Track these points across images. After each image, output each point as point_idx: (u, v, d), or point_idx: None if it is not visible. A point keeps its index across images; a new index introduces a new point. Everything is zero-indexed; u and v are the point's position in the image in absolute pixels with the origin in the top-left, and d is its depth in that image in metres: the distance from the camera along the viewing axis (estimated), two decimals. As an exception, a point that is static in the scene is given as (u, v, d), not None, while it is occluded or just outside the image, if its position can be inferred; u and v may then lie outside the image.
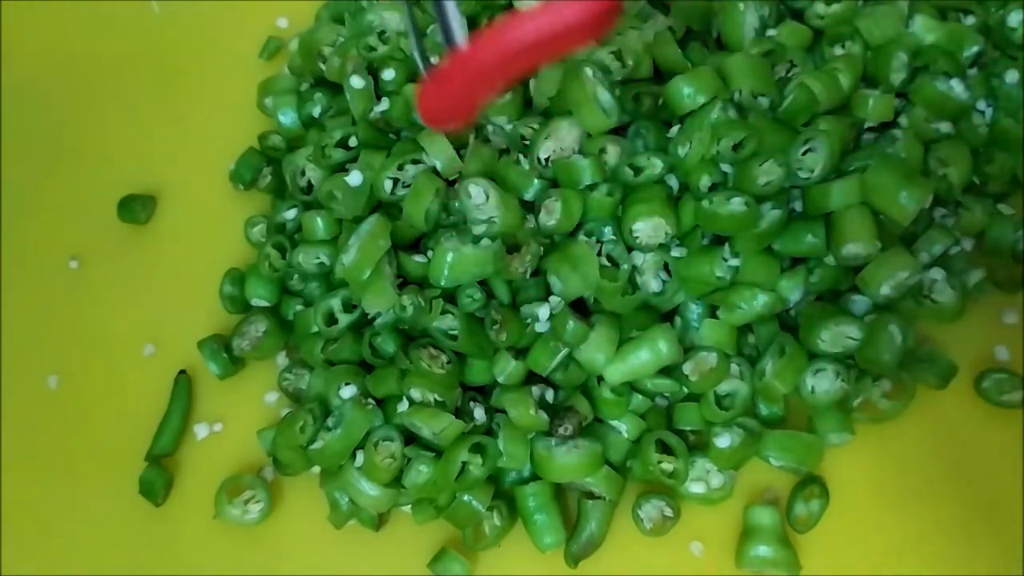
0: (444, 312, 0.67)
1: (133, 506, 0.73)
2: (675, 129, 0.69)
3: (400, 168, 0.69)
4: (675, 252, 0.68)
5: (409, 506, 0.69)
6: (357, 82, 0.73)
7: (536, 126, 0.69)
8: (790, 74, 0.70)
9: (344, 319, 0.70)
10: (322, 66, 0.77)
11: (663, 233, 0.66)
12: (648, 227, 0.67)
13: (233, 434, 0.75)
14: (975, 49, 0.72)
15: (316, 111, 0.78)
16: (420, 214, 0.67)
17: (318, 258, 0.71)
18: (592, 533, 0.67)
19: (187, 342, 0.77)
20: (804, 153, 0.66)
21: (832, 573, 0.66)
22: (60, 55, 0.92)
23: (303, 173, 0.74)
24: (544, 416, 0.66)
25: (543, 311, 0.67)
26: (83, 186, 0.86)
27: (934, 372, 0.68)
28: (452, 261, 0.65)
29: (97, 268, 0.83)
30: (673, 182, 0.69)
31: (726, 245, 0.67)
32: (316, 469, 0.71)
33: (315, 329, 0.71)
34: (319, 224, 0.72)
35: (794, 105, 0.67)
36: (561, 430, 0.66)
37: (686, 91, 0.67)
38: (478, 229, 0.67)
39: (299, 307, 0.74)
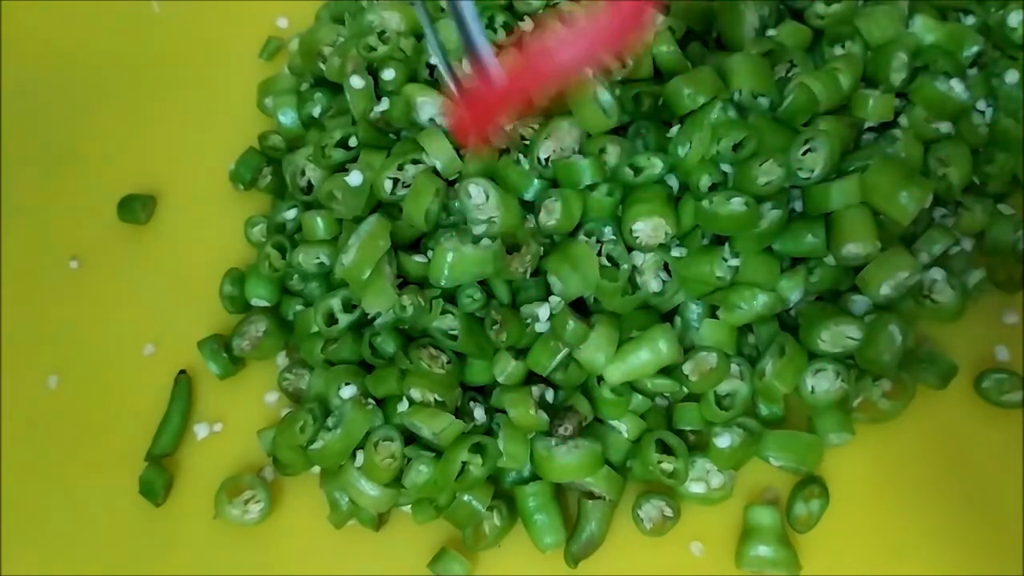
0: (444, 312, 0.67)
1: (133, 506, 0.73)
2: (675, 129, 0.69)
3: (400, 168, 0.69)
4: (675, 252, 0.68)
5: (409, 506, 0.69)
6: (357, 82, 0.73)
7: (536, 126, 0.69)
8: (790, 74, 0.70)
9: (344, 319, 0.70)
10: (322, 66, 0.77)
11: (663, 233, 0.66)
12: (648, 227, 0.67)
13: (233, 434, 0.75)
14: (975, 49, 0.72)
15: (316, 111, 0.78)
16: (420, 214, 0.67)
17: (318, 258, 0.71)
18: (592, 533, 0.67)
19: (187, 342, 0.77)
20: (804, 153, 0.66)
21: (832, 573, 0.66)
22: (60, 55, 0.92)
23: (303, 173, 0.74)
24: (544, 416, 0.66)
25: (543, 311, 0.67)
26: (83, 186, 0.86)
27: (934, 372, 0.68)
28: (452, 261, 0.65)
29: (97, 268, 0.83)
30: (673, 182, 0.69)
31: (726, 245, 0.67)
32: (316, 469, 0.71)
33: (315, 329, 0.71)
34: (319, 224, 0.72)
35: (794, 105, 0.67)
36: (561, 430, 0.66)
37: (686, 91, 0.67)
38: (478, 229, 0.67)
39: (299, 307, 0.74)
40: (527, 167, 0.69)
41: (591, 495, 0.67)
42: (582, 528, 0.67)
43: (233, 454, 0.74)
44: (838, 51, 0.72)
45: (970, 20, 0.73)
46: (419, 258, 0.69)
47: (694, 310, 0.69)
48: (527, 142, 0.69)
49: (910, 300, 0.68)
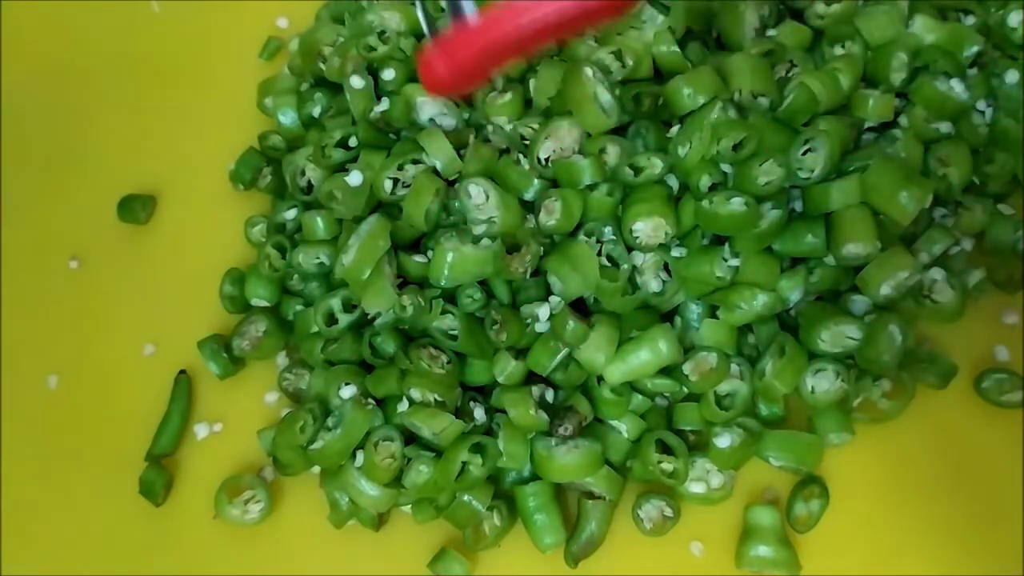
0: (444, 312, 0.67)
1: (133, 506, 0.73)
2: (675, 129, 0.69)
3: (400, 168, 0.69)
4: (675, 252, 0.68)
5: (409, 506, 0.69)
6: (357, 82, 0.73)
7: (536, 126, 0.69)
8: (790, 74, 0.70)
9: (344, 319, 0.70)
10: (322, 66, 0.77)
11: (663, 233, 0.66)
12: (648, 227, 0.67)
13: (233, 434, 0.75)
14: (975, 49, 0.72)
15: (316, 111, 0.78)
16: (420, 214, 0.67)
17: (318, 258, 0.71)
18: (592, 533, 0.67)
19: (187, 342, 0.77)
20: (804, 153, 0.66)
21: (832, 573, 0.66)
22: (60, 55, 0.92)
23: (303, 173, 0.74)
24: (544, 416, 0.66)
25: (543, 311, 0.67)
26: (83, 186, 0.86)
27: (934, 372, 0.68)
28: (452, 261, 0.65)
29: (97, 268, 0.83)
30: (673, 182, 0.69)
31: (726, 245, 0.67)
32: (316, 469, 0.71)
33: (315, 329, 0.71)
34: (319, 224, 0.72)
35: (794, 105, 0.67)
36: (561, 430, 0.66)
37: (686, 91, 0.67)
38: (478, 229, 0.67)
39: (299, 307, 0.74)
40: (527, 167, 0.69)
41: (591, 495, 0.67)
42: (582, 528, 0.67)
43: (233, 454, 0.74)
44: (838, 51, 0.72)
45: (970, 20, 0.73)
46: (419, 258, 0.69)
47: (694, 310, 0.69)
48: (527, 142, 0.69)
49: (910, 300, 0.68)
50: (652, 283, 0.68)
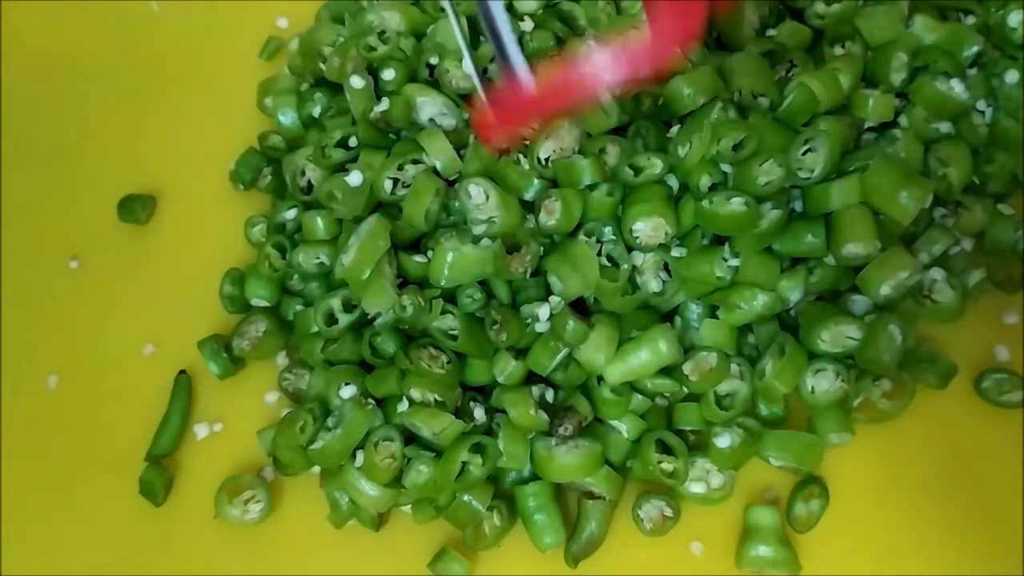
0: (444, 312, 0.67)
1: (133, 506, 0.73)
2: (675, 129, 0.69)
3: (400, 168, 0.69)
4: (675, 252, 0.68)
5: (409, 506, 0.69)
6: (357, 82, 0.72)
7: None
8: (790, 74, 0.70)
9: (344, 319, 0.70)
10: (322, 66, 0.77)
11: (663, 233, 0.66)
12: (648, 227, 0.67)
13: (233, 434, 0.75)
14: (975, 49, 0.72)
15: (316, 111, 0.78)
16: (420, 214, 0.67)
17: (318, 258, 0.71)
18: (592, 533, 0.67)
19: (187, 342, 0.77)
20: (804, 153, 0.66)
21: (832, 573, 0.66)
22: (60, 55, 0.92)
23: (303, 173, 0.74)
24: (544, 416, 0.66)
25: (543, 311, 0.67)
26: (83, 186, 0.86)
27: (934, 372, 0.68)
28: (452, 261, 0.65)
29: (97, 268, 0.83)
30: (673, 182, 0.69)
31: (726, 245, 0.67)
32: (316, 469, 0.71)
33: (315, 329, 0.71)
34: (319, 224, 0.72)
35: (794, 105, 0.67)
36: (561, 430, 0.66)
37: (686, 91, 0.67)
38: (478, 229, 0.67)
39: (299, 307, 0.74)
40: (527, 167, 0.69)
41: (591, 495, 0.67)
42: (582, 528, 0.67)
43: (233, 454, 0.74)
44: (838, 51, 0.72)
45: (970, 20, 0.73)
46: (419, 258, 0.69)
47: (694, 310, 0.69)
48: (527, 142, 0.69)
49: (910, 300, 0.68)
50: (652, 283, 0.68)
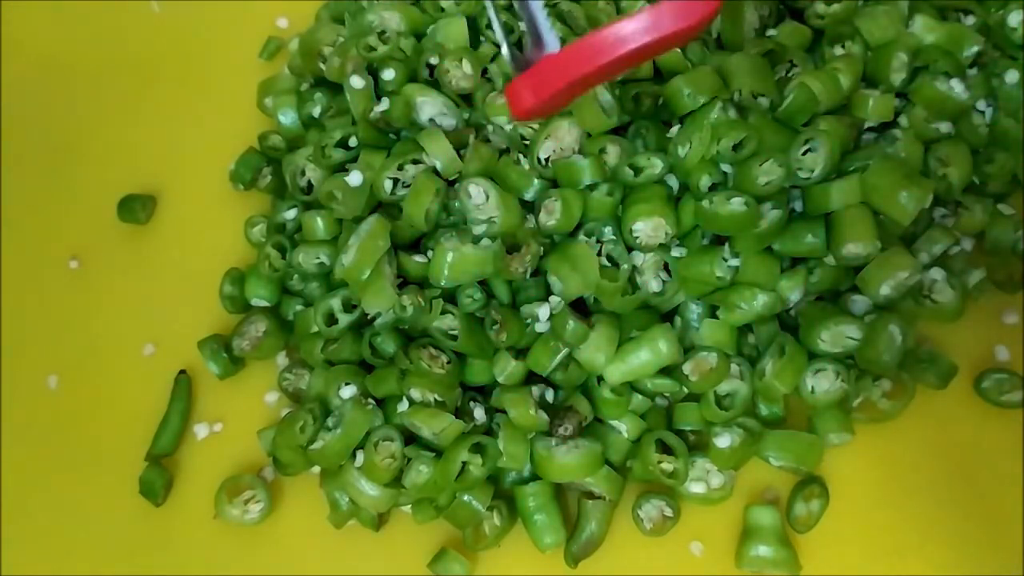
0: (444, 312, 0.67)
1: (133, 506, 0.73)
2: (675, 129, 0.69)
3: (400, 168, 0.69)
4: (675, 252, 0.68)
5: (409, 506, 0.69)
6: (357, 82, 0.72)
7: (536, 126, 0.69)
8: (790, 74, 0.70)
9: (344, 319, 0.70)
10: (322, 66, 0.77)
11: (663, 233, 0.66)
12: (648, 227, 0.67)
13: (233, 434, 0.75)
14: (975, 49, 0.72)
15: (316, 111, 0.78)
16: (420, 214, 0.67)
17: (318, 258, 0.71)
18: (592, 533, 0.67)
19: (187, 342, 0.77)
20: (804, 153, 0.66)
21: (832, 573, 0.66)
22: (60, 55, 0.92)
23: (303, 173, 0.74)
24: (544, 416, 0.66)
25: (543, 311, 0.67)
26: (83, 186, 0.86)
27: (934, 372, 0.68)
28: (452, 261, 0.65)
29: (97, 268, 0.83)
30: (673, 182, 0.69)
31: (726, 245, 0.67)
32: (316, 469, 0.71)
33: (315, 329, 0.71)
34: (319, 224, 0.72)
35: (794, 105, 0.67)
36: (561, 430, 0.66)
37: (686, 91, 0.67)
38: (478, 229, 0.67)
39: (299, 307, 0.74)
40: (527, 167, 0.69)
41: (591, 495, 0.67)
42: (582, 528, 0.67)
43: (233, 454, 0.74)
44: (838, 51, 0.72)
45: (970, 20, 0.73)
46: (419, 258, 0.69)
47: (694, 310, 0.69)
48: (527, 142, 0.69)
49: (910, 300, 0.68)
50: (652, 283, 0.68)
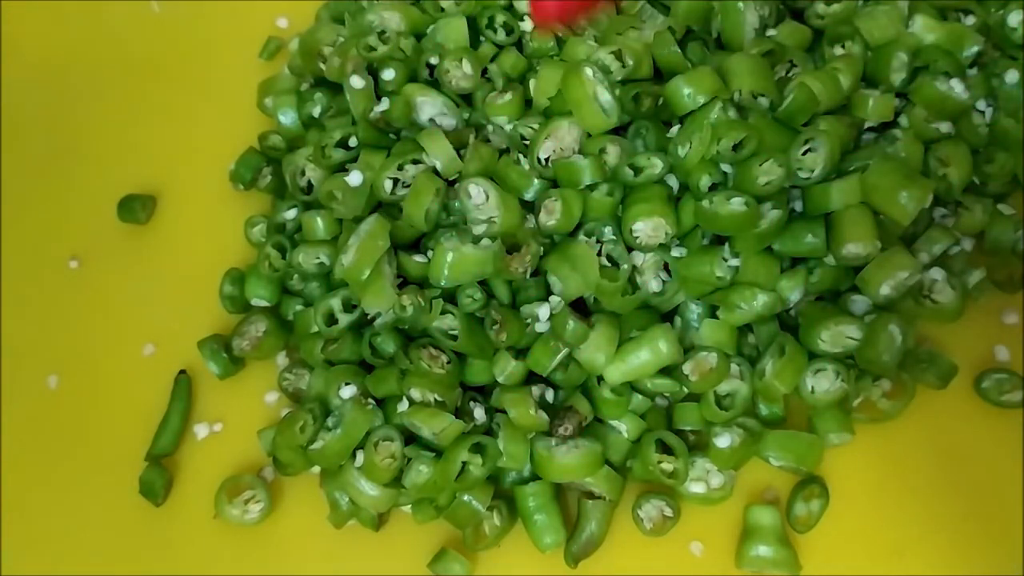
0: (444, 312, 0.67)
1: (133, 506, 0.73)
2: (675, 129, 0.69)
3: (400, 168, 0.69)
4: (675, 252, 0.68)
5: (409, 506, 0.69)
6: (357, 82, 0.72)
7: (536, 126, 0.69)
8: (790, 74, 0.70)
9: (344, 319, 0.70)
10: (322, 66, 0.77)
11: (663, 233, 0.66)
12: (648, 227, 0.67)
13: (233, 434, 0.75)
14: (975, 49, 0.72)
15: (316, 111, 0.78)
16: (420, 214, 0.67)
17: (318, 258, 0.71)
18: (592, 533, 0.67)
19: (187, 342, 0.77)
20: (804, 153, 0.66)
21: (832, 573, 0.66)
22: (60, 55, 0.92)
23: (303, 173, 0.74)
24: (544, 416, 0.66)
25: (543, 311, 0.67)
26: (83, 186, 0.86)
27: (934, 372, 0.68)
28: (452, 261, 0.65)
29: (97, 268, 0.83)
30: (673, 182, 0.69)
31: (726, 245, 0.67)
32: (316, 469, 0.71)
33: (315, 329, 0.70)
34: (319, 224, 0.72)
35: (794, 105, 0.67)
36: (561, 430, 0.66)
37: (686, 91, 0.67)
38: (478, 229, 0.67)
39: (299, 307, 0.74)
40: (527, 167, 0.69)
41: (591, 495, 0.67)
42: (582, 528, 0.67)
43: (233, 454, 0.74)
44: (838, 51, 0.72)
45: (970, 20, 0.73)
46: (419, 258, 0.69)
47: (694, 310, 0.69)
48: (527, 142, 0.69)
49: (910, 300, 0.68)
50: (652, 283, 0.68)
